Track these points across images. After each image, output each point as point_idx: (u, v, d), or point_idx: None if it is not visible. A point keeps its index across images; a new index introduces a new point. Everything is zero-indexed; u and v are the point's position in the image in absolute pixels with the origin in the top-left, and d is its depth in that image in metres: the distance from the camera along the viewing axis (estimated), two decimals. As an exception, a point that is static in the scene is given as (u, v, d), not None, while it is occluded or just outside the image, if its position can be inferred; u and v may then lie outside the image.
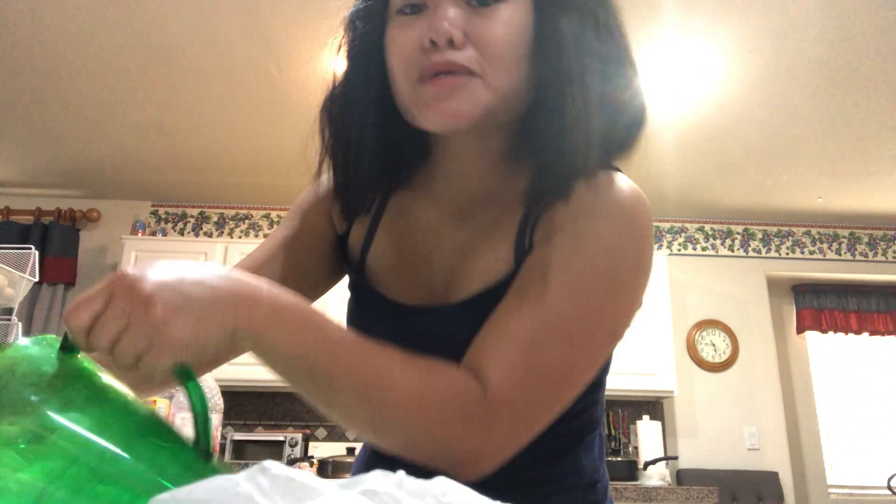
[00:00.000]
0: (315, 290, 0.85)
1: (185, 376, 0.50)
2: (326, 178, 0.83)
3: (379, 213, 0.81)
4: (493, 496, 0.35)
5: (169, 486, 0.45)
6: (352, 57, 0.74)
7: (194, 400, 0.49)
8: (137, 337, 0.47)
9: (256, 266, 0.81)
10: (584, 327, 0.65)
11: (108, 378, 0.49)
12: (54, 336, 0.49)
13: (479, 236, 0.75)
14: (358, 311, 0.81)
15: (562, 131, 0.67)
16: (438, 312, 0.75)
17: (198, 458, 0.48)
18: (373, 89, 0.72)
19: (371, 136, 0.74)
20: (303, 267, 0.83)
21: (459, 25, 0.65)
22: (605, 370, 0.77)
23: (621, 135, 0.73)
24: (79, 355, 0.49)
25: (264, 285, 0.56)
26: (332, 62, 0.77)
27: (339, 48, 0.76)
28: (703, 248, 4.58)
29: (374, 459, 0.82)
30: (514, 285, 0.69)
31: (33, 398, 0.45)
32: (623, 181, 0.71)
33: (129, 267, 0.50)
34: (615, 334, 0.68)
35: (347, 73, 0.75)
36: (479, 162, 0.75)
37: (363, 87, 0.73)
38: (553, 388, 0.64)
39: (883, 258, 4.61)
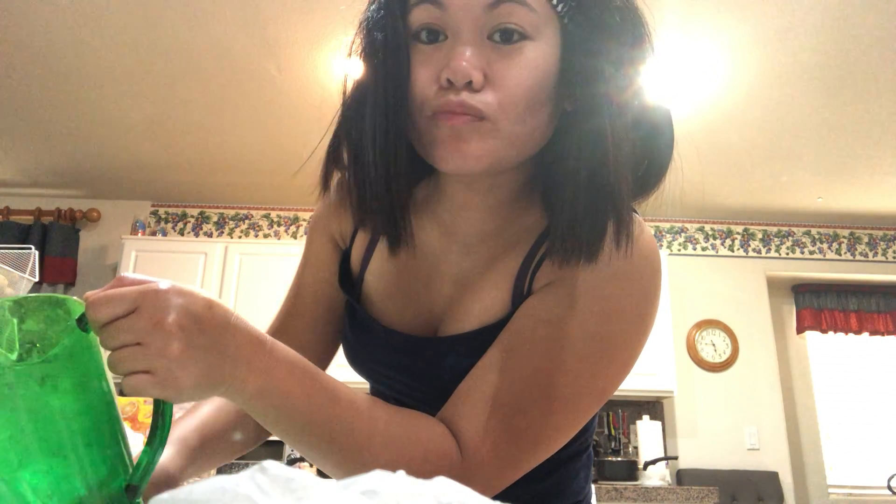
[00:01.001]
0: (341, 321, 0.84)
1: (164, 412, 0.50)
2: (331, 192, 0.80)
3: None
4: None
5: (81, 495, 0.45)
6: (367, 64, 0.66)
7: (156, 439, 0.49)
8: (143, 359, 0.47)
9: (287, 318, 0.82)
10: (571, 392, 0.63)
11: (103, 363, 0.50)
12: (78, 301, 0.49)
13: (480, 270, 0.72)
14: (351, 334, 0.80)
15: (585, 171, 0.62)
16: (431, 344, 0.73)
17: (122, 494, 0.48)
18: (389, 99, 0.64)
19: (393, 146, 0.65)
20: (330, 303, 0.82)
21: (479, 66, 0.60)
22: None
23: (651, 169, 0.68)
24: (90, 333, 0.49)
25: (266, 348, 0.55)
26: (337, 64, 0.74)
27: (351, 52, 0.68)
28: (703, 248, 4.58)
29: None
30: (504, 335, 0.66)
31: (24, 353, 0.45)
32: (638, 230, 0.65)
33: (165, 282, 0.49)
34: (603, 397, 0.66)
35: (363, 81, 0.67)
36: (488, 196, 0.71)
37: (379, 96, 0.64)
38: (530, 450, 0.64)
39: (883, 258, 4.61)
